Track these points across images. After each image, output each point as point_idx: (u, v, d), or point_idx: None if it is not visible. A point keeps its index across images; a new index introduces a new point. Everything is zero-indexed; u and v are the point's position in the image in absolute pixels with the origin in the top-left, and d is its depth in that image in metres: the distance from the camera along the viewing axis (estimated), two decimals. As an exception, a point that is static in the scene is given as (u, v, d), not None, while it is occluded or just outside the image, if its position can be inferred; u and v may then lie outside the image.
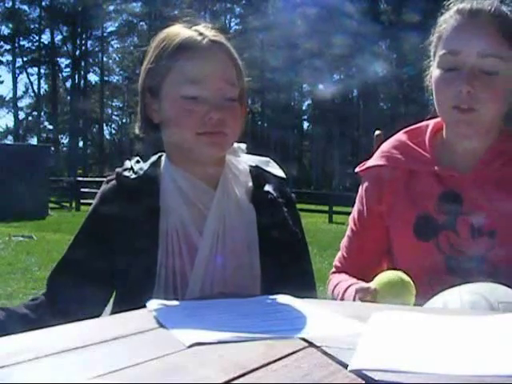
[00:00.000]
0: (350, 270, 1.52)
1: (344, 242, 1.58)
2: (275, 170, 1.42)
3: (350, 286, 1.38)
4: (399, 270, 1.26)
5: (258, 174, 1.38)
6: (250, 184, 1.36)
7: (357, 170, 1.56)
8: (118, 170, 1.35)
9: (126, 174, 1.33)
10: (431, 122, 1.50)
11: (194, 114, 1.24)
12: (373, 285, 1.21)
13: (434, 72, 1.40)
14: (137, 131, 1.35)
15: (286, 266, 1.30)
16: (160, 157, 1.38)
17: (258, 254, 1.30)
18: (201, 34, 1.29)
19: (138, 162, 1.37)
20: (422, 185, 1.44)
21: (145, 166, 1.35)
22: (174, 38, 1.29)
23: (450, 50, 1.36)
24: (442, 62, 1.37)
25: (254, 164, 1.40)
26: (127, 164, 1.36)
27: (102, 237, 1.28)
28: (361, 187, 1.55)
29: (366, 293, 1.21)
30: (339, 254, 1.59)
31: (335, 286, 1.47)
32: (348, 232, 1.57)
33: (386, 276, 1.22)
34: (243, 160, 1.39)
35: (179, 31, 1.31)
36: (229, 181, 1.33)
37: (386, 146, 1.53)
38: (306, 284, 1.34)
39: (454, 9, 1.39)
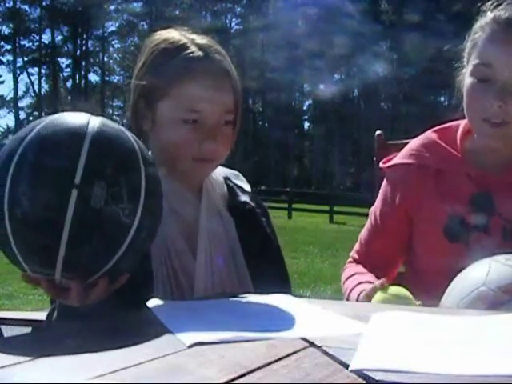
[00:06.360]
0: (367, 263, 1.51)
1: (363, 234, 1.57)
2: (243, 184, 1.45)
3: (358, 285, 1.37)
4: (421, 268, 1.35)
5: (232, 185, 1.41)
6: (226, 193, 1.39)
7: (381, 165, 1.53)
8: None
9: None
10: (462, 122, 1.47)
11: (192, 140, 1.25)
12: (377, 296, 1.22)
13: (467, 80, 1.38)
14: None
15: (264, 274, 1.31)
16: None
17: (242, 259, 1.32)
18: (204, 51, 1.27)
19: None
20: (452, 184, 1.42)
21: None
22: (174, 52, 1.27)
23: (483, 62, 1.34)
24: (475, 71, 1.35)
25: (224, 175, 1.43)
26: None
27: None
28: (385, 182, 1.53)
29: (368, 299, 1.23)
30: (357, 247, 1.57)
31: (348, 278, 1.46)
32: (368, 225, 1.55)
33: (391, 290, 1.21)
34: (217, 170, 1.40)
35: (180, 43, 1.28)
36: (210, 190, 1.36)
37: (414, 143, 1.50)
38: (284, 288, 1.34)
39: (490, 16, 1.35)
